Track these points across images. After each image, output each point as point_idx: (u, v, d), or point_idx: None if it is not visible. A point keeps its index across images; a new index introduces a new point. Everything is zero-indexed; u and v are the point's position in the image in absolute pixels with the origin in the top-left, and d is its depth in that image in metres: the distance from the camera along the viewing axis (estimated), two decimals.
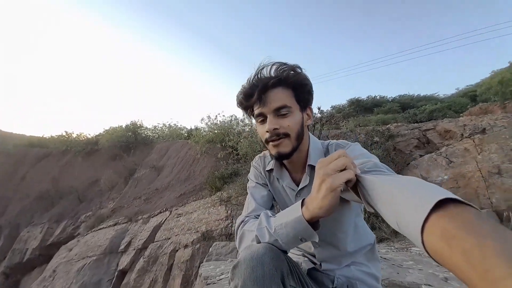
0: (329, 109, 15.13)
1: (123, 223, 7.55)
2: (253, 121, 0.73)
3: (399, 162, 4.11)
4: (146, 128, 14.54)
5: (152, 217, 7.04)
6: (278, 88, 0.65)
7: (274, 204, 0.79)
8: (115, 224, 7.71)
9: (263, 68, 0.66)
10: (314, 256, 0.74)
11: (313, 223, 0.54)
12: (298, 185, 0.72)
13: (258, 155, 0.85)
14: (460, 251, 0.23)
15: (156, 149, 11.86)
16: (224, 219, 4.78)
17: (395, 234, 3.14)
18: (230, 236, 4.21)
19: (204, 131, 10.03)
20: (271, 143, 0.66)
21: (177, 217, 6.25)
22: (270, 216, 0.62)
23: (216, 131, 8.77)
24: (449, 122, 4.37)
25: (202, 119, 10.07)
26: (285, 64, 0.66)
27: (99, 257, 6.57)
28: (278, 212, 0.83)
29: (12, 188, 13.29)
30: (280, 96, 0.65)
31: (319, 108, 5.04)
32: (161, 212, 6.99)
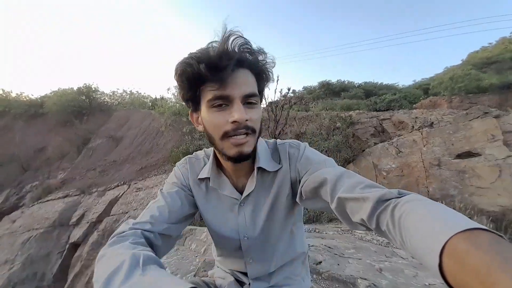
0: (301, 90, 15.27)
1: (74, 195, 7.03)
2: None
3: (356, 148, 4.37)
4: (103, 93, 13.07)
5: (109, 190, 6.65)
6: (247, 70, 0.50)
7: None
8: (65, 196, 7.14)
9: (229, 36, 0.47)
10: (245, 274, 0.67)
11: None
12: (241, 193, 0.62)
13: (188, 156, 0.69)
14: (471, 269, 0.23)
15: (115, 117, 10.84)
16: None
17: None
18: None
19: (171, 102, 9.38)
20: (233, 138, 0.50)
21: (136, 191, 6.00)
22: (140, 271, 0.36)
23: (183, 103, 8.24)
24: (403, 114, 4.71)
25: (168, 89, 9.39)
26: (262, 49, 0.52)
27: (47, 230, 6.14)
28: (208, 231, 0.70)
29: None
30: (250, 81, 0.50)
31: (289, 89, 4.97)
32: (118, 186, 6.63)
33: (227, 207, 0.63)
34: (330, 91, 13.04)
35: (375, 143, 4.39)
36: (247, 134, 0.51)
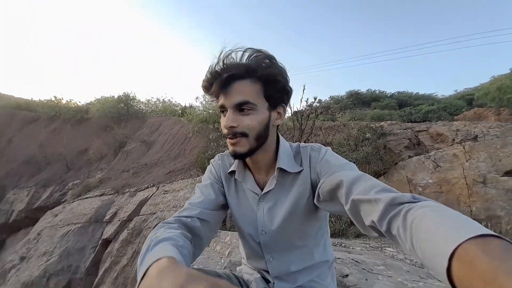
0: (328, 99, 14.98)
1: (109, 194, 7.56)
2: None
3: (387, 161, 4.12)
4: (139, 101, 14.11)
5: (139, 191, 7.05)
6: (245, 80, 0.56)
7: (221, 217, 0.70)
8: (101, 195, 7.72)
9: (231, 53, 0.56)
10: (268, 272, 0.69)
11: None
12: (262, 189, 0.66)
13: (220, 154, 0.76)
14: (478, 274, 0.24)
15: (148, 124, 11.61)
16: None
17: None
18: None
19: (199, 110, 9.83)
20: (228, 139, 0.60)
21: (164, 193, 6.27)
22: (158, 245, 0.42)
23: (210, 111, 8.58)
24: (442, 126, 4.36)
25: (197, 98, 9.87)
26: (260, 52, 0.57)
27: (84, 225, 6.64)
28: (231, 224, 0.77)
29: None
30: (245, 90, 0.56)
31: (315, 98, 4.93)
32: (148, 187, 6.99)
33: (249, 201, 0.68)
34: (359, 101, 12.60)
35: (410, 156, 4.11)
36: (236, 137, 0.58)
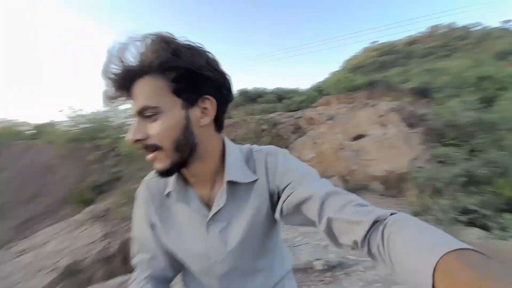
0: None
1: None
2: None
3: (282, 146, 4.85)
4: None
5: None
6: (144, 77, 0.43)
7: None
8: None
9: (127, 45, 0.42)
10: None
11: None
12: (210, 207, 0.53)
13: (145, 178, 0.60)
14: (463, 285, 0.24)
15: None
16: (99, 240, 3.79)
17: None
18: (110, 261, 3.41)
19: (65, 126, 7.57)
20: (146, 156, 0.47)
21: (18, 256, 4.38)
22: None
23: (87, 125, 6.82)
24: (312, 111, 5.61)
25: (61, 111, 7.51)
26: (157, 35, 0.43)
27: None
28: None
29: None
30: (144, 91, 0.43)
31: None
32: None
33: (195, 227, 0.54)
34: (248, 98, 14.04)
35: (295, 139, 5.00)
36: (151, 151, 0.46)
